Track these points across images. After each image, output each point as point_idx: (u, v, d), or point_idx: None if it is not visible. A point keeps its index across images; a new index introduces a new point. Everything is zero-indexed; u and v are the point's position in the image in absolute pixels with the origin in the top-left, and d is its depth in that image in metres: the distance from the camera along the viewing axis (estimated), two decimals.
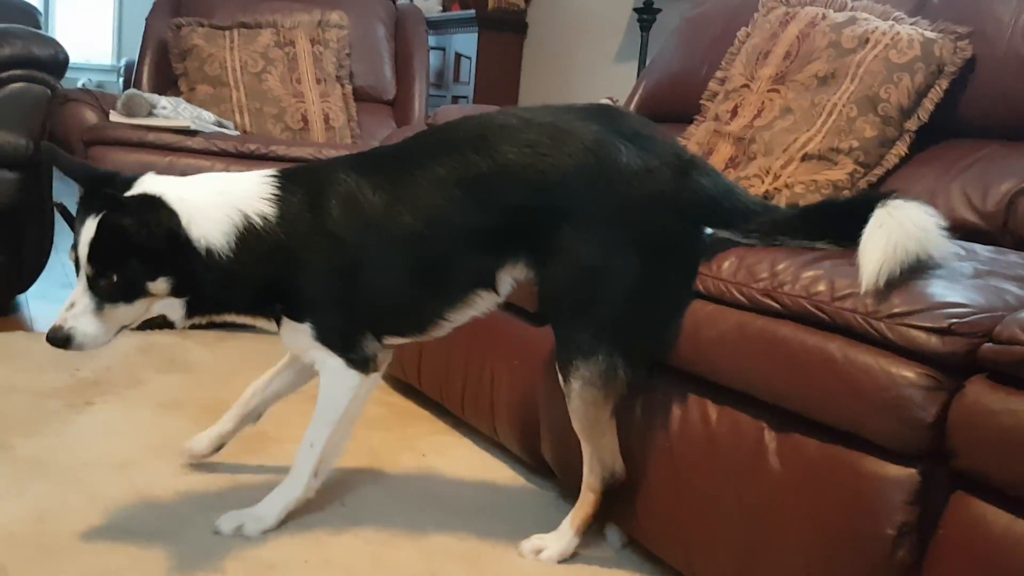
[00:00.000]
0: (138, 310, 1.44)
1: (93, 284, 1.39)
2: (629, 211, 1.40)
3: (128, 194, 1.41)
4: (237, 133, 3.20)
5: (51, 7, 7.90)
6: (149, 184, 1.44)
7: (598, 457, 1.51)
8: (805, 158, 2.04)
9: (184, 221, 1.41)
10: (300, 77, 3.45)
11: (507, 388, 1.87)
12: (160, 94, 3.21)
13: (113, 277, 1.38)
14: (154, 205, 1.40)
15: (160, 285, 1.42)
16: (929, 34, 2.00)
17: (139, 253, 1.39)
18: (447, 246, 1.48)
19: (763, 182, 2.08)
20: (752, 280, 1.30)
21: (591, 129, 1.43)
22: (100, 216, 1.36)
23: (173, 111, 3.03)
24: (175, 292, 1.44)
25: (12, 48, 2.97)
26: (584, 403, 1.46)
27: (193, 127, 2.95)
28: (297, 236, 1.46)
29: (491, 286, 1.53)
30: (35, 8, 3.74)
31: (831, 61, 2.10)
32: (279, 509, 1.58)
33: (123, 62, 7.34)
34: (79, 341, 1.40)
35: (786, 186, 2.04)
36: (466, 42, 5.16)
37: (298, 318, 1.51)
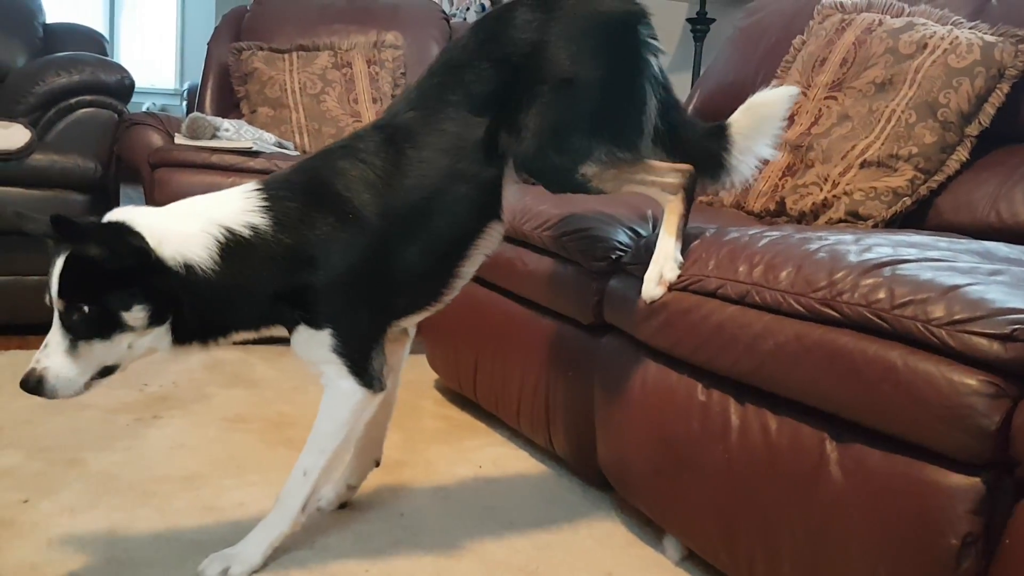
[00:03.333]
0: (117, 348, 1.35)
1: (65, 320, 1.32)
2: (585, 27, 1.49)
3: (92, 224, 1.36)
4: (297, 153, 3.27)
5: (116, 34, 8.15)
6: (115, 214, 1.38)
7: (665, 169, 1.55)
8: (864, 165, 2.02)
9: (153, 242, 1.34)
10: (357, 97, 3.52)
11: (562, 400, 1.88)
12: (223, 117, 3.30)
13: (84, 308, 1.31)
14: (118, 230, 1.34)
15: (136, 315, 1.34)
16: (989, 38, 1.97)
17: (108, 281, 1.32)
18: (454, 178, 1.48)
19: (821, 190, 2.06)
20: (810, 289, 1.29)
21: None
22: (66, 251, 1.32)
23: (235, 133, 3.11)
24: (155, 320, 1.36)
25: (81, 75, 3.09)
26: (609, 179, 1.50)
27: (255, 148, 3.02)
28: (309, 236, 1.41)
29: (497, 213, 1.54)
30: (101, 35, 3.87)
31: (889, 67, 2.07)
32: (264, 547, 1.49)
33: (186, 86, 7.52)
34: (51, 384, 1.32)
35: (845, 193, 2.01)
36: None
37: (317, 324, 1.44)
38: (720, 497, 1.44)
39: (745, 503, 1.39)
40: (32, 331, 2.92)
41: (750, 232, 1.53)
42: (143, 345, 1.38)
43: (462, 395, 2.38)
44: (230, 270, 1.38)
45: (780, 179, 2.17)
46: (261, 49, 3.56)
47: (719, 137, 1.60)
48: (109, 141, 3.08)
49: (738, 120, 1.62)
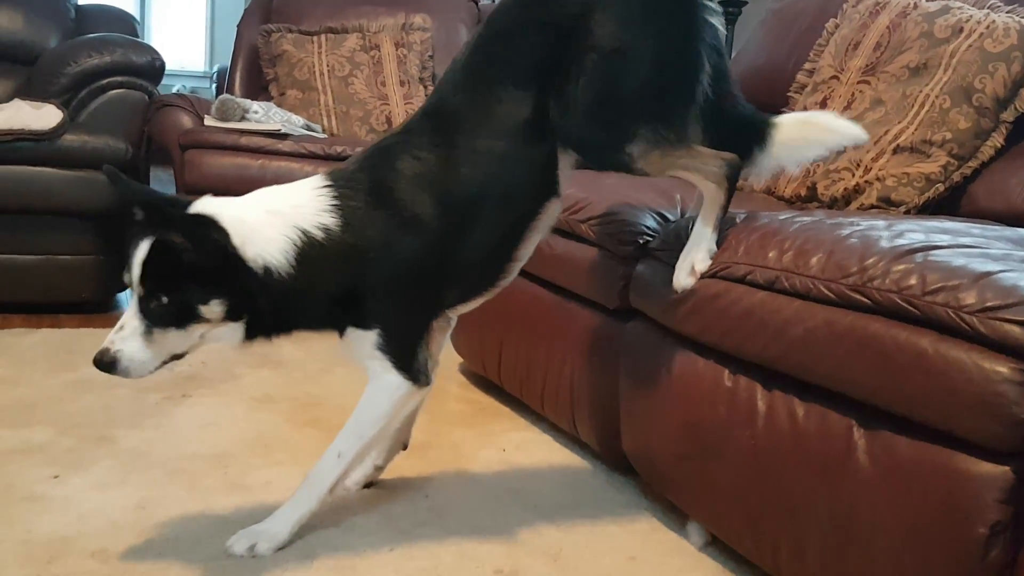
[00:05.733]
0: (191, 337, 1.38)
1: (144, 306, 1.34)
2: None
3: (181, 214, 1.37)
4: (325, 136, 3.28)
5: (147, 15, 8.21)
6: (204, 204, 1.39)
7: (704, 157, 1.50)
8: (897, 150, 1.99)
9: (238, 241, 1.35)
10: (385, 80, 3.52)
11: (587, 384, 1.87)
12: (252, 99, 3.32)
13: (163, 299, 1.33)
14: (206, 223, 1.35)
15: (214, 309, 1.36)
16: None
17: (190, 274, 1.33)
18: (509, 162, 1.46)
19: (853, 175, 2.04)
20: (841, 275, 1.27)
21: None
22: (152, 236, 1.34)
23: (264, 115, 3.12)
24: (230, 315, 1.38)
25: (112, 56, 3.11)
26: (657, 160, 1.46)
27: (283, 131, 3.04)
28: (371, 237, 1.42)
29: (555, 189, 1.52)
30: (133, 17, 3.89)
31: (923, 51, 2.04)
32: (292, 524, 1.50)
33: (215, 68, 7.57)
34: (124, 366, 1.34)
35: (877, 179, 1.99)
36: None
37: (365, 325, 1.45)
38: (746, 483, 1.44)
39: (771, 490, 1.39)
40: (63, 310, 2.97)
41: (781, 217, 1.52)
42: (216, 337, 1.40)
43: (487, 379, 2.39)
44: (303, 273, 1.39)
45: (811, 164, 2.15)
46: (290, 31, 3.57)
47: (760, 132, 1.54)
48: (140, 122, 3.11)
49: (788, 127, 1.54)
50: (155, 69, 3.19)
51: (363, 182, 1.45)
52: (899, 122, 2.02)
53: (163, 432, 1.98)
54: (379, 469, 1.76)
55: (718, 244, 1.52)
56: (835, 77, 2.24)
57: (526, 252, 1.57)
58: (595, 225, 1.82)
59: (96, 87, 3.06)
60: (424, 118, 1.51)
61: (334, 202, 1.42)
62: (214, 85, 7.50)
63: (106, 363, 1.34)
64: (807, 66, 2.37)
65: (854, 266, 1.27)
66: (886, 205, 1.97)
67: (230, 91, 3.63)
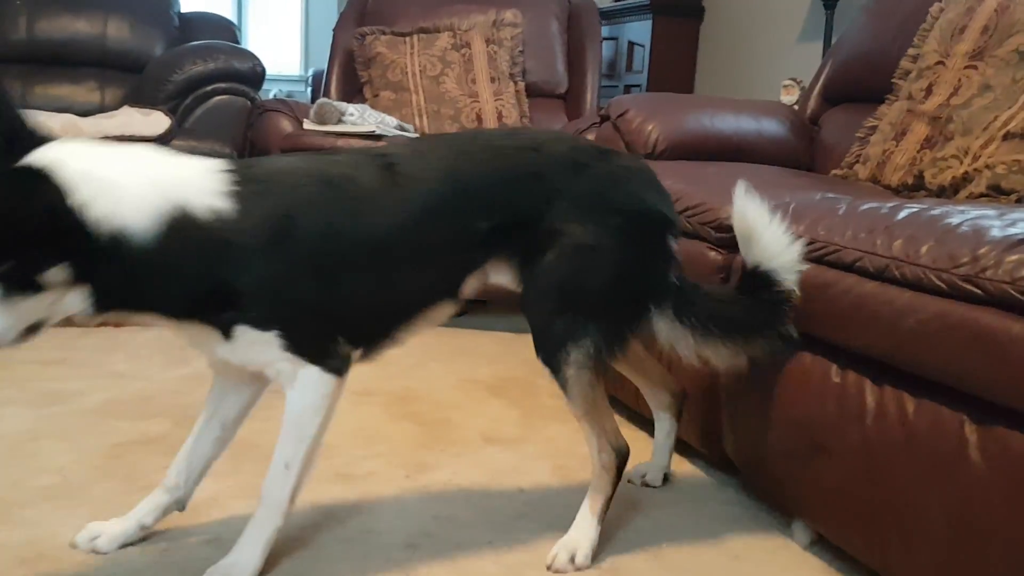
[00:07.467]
0: (42, 305, 1.19)
1: None
2: (613, 195, 1.46)
3: (8, 166, 1.17)
4: (417, 135, 3.33)
5: (244, 21, 8.47)
6: (50, 152, 1.17)
7: (606, 438, 1.52)
8: (1007, 137, 1.91)
9: (78, 199, 1.15)
10: (475, 77, 3.55)
11: (687, 382, 1.86)
12: (348, 102, 3.39)
13: (2, 265, 1.14)
14: (33, 178, 1.14)
15: (55, 275, 1.17)
16: None
17: (21, 238, 1.13)
18: (427, 248, 1.41)
19: (961, 163, 1.96)
20: (952, 265, 1.23)
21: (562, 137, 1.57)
22: None
23: (360, 117, 3.19)
24: (78, 279, 1.20)
25: (216, 63, 3.23)
26: (583, 387, 1.47)
27: (377, 132, 3.10)
28: (266, 237, 1.27)
29: (455, 294, 1.50)
30: (232, 23, 4.02)
31: None
32: (260, 548, 1.40)
33: (311, 72, 7.77)
34: None
35: (987, 167, 1.91)
36: (639, 30, 5.12)
37: (262, 327, 1.30)
38: (855, 481, 1.40)
39: (881, 487, 1.35)
40: None
41: (888, 204, 1.47)
42: (66, 306, 1.22)
43: None
44: (170, 253, 1.23)
45: (918, 151, 2.09)
46: (384, 33, 3.63)
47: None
48: (243, 127, 3.21)
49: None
50: (257, 75, 3.30)
51: (270, 182, 1.33)
52: (1009, 107, 1.94)
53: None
54: (145, 528, 1.52)
55: (803, 222, 1.48)
56: (941, 63, 2.17)
57: (412, 332, 1.49)
58: (690, 215, 1.80)
59: (201, 93, 3.18)
60: (369, 157, 1.44)
61: (233, 188, 1.27)
62: (309, 89, 7.69)
63: None
64: (911, 51, 2.30)
65: (966, 256, 1.22)
66: (996, 193, 1.89)
67: (326, 94, 3.71)
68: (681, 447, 1.99)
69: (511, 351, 2.73)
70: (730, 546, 1.58)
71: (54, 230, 1.15)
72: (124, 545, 1.48)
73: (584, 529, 1.52)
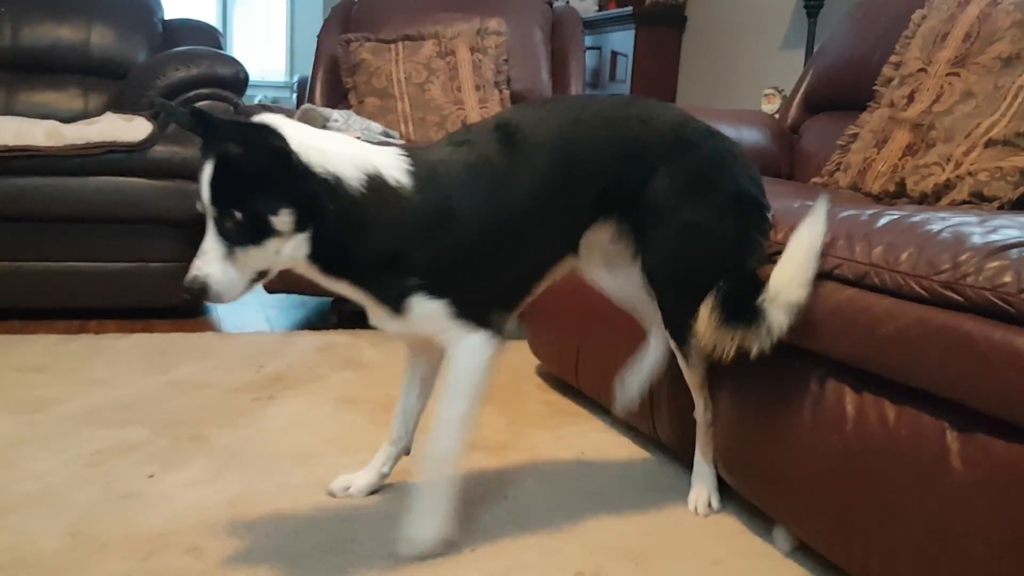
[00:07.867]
0: (269, 253, 1.35)
1: (220, 227, 1.32)
2: (716, 176, 1.56)
3: (236, 124, 1.36)
4: (402, 142, 3.33)
5: (229, 28, 8.45)
6: (265, 117, 1.37)
7: (711, 401, 1.70)
8: (989, 144, 1.92)
9: (299, 148, 1.33)
10: (460, 85, 3.55)
11: (667, 387, 1.86)
12: (332, 108, 3.38)
13: (237, 215, 1.30)
14: (262, 129, 1.33)
15: (284, 219, 1.33)
16: None
17: (256, 184, 1.31)
18: (553, 212, 1.53)
19: (943, 170, 1.98)
20: (932, 272, 1.23)
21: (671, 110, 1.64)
22: (213, 154, 1.31)
23: (344, 124, 3.18)
24: (300, 227, 1.35)
25: (199, 68, 3.21)
26: (701, 360, 1.62)
27: (362, 138, 3.09)
28: (436, 217, 1.43)
29: (577, 249, 1.61)
30: (216, 30, 4.01)
31: (1016, 41, 1.97)
32: (444, 504, 1.53)
33: (296, 78, 7.76)
34: (215, 290, 1.32)
35: (969, 174, 1.92)
36: (623, 40, 5.14)
37: (435, 295, 1.43)
38: (834, 488, 1.40)
39: (861, 494, 1.35)
40: (155, 315, 3.07)
41: (868, 211, 1.48)
42: (289, 250, 1.37)
43: (564, 381, 2.39)
44: (375, 200, 1.39)
45: (900, 159, 2.10)
46: (368, 40, 3.63)
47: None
48: None
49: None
50: (240, 81, 3.29)
51: (438, 165, 1.48)
52: (991, 114, 1.95)
53: (253, 432, 2.04)
54: (384, 476, 1.75)
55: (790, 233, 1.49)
56: (923, 70, 2.18)
57: (538, 290, 1.64)
58: None
59: (184, 99, 3.16)
60: (495, 130, 1.54)
61: (410, 168, 1.45)
62: (295, 95, 7.67)
63: (196, 289, 1.32)
64: (893, 59, 2.32)
65: (946, 262, 1.23)
66: (978, 200, 1.90)
67: (311, 100, 3.71)
68: (662, 452, 2.00)
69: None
70: (711, 551, 1.58)
71: (286, 171, 1.32)
72: (371, 493, 1.74)
73: (708, 478, 1.75)
